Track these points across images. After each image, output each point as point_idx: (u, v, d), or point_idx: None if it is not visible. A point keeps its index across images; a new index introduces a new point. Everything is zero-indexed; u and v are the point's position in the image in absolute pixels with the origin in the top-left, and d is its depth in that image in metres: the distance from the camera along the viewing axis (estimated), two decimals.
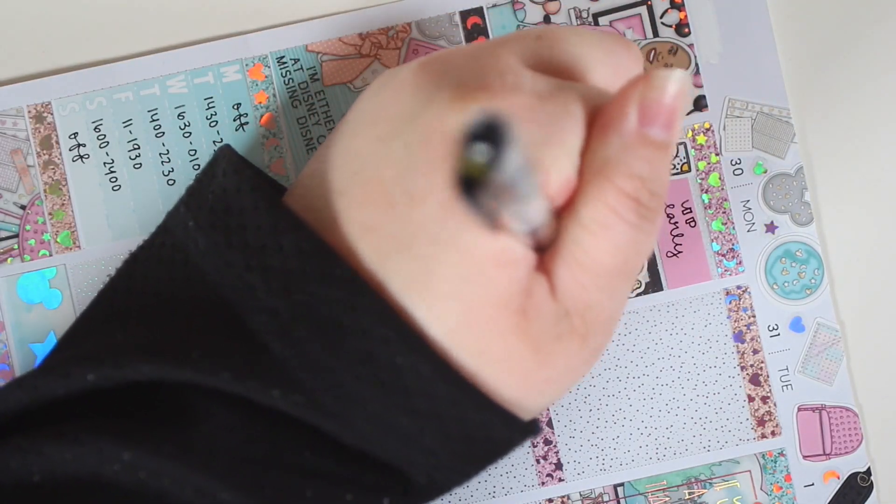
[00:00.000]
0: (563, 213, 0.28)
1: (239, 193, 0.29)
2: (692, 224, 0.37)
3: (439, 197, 0.26)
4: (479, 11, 0.37)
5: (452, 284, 0.27)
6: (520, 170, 0.20)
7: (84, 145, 0.37)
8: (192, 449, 0.28)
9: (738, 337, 0.37)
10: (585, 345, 0.29)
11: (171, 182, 0.37)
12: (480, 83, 0.27)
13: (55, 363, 0.29)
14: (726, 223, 0.37)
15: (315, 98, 0.37)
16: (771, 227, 0.37)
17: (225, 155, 0.31)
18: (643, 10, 0.37)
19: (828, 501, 0.37)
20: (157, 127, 0.37)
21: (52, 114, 0.37)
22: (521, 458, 0.37)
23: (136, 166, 0.37)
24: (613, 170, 0.27)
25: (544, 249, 0.29)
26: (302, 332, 0.27)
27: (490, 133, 0.19)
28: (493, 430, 0.28)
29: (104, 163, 0.37)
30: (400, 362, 0.27)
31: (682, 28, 0.37)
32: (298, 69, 0.37)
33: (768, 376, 0.37)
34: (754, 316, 0.37)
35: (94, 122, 0.37)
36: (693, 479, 0.37)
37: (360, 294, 0.27)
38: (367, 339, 0.27)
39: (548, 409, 0.37)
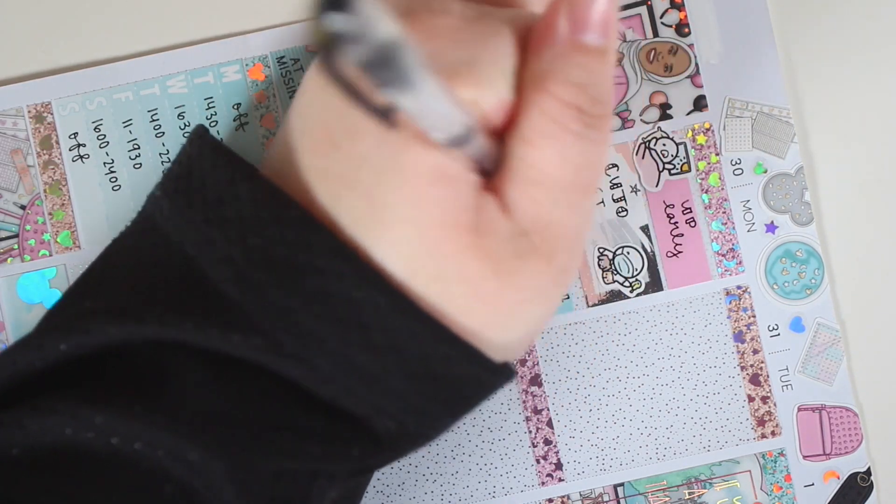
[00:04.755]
0: (506, 134, 0.28)
1: (201, 157, 0.29)
2: (692, 224, 0.37)
3: (373, 126, 0.27)
4: None
5: (398, 210, 0.27)
6: (386, 45, 0.19)
7: (84, 145, 0.37)
8: (160, 408, 0.27)
9: (738, 337, 0.37)
10: (550, 264, 0.28)
11: None
12: (407, 11, 0.27)
13: (28, 338, 0.29)
14: (726, 223, 0.37)
15: None
16: (771, 227, 0.37)
17: (195, 130, 0.32)
18: (643, 10, 0.37)
19: (828, 501, 0.37)
20: (157, 127, 0.37)
21: (52, 114, 0.37)
22: (521, 458, 0.37)
23: (136, 166, 0.37)
24: (550, 80, 0.27)
25: (492, 174, 0.28)
26: (258, 274, 0.27)
27: (341, 4, 0.18)
28: (456, 366, 0.28)
29: (104, 163, 0.37)
30: (356, 296, 0.27)
31: (682, 28, 0.37)
32: (298, 69, 0.37)
33: (768, 376, 0.37)
34: (754, 316, 0.37)
35: (94, 122, 0.37)
36: (693, 479, 0.37)
37: (313, 232, 0.27)
38: (322, 277, 0.27)
39: (547, 409, 0.37)
